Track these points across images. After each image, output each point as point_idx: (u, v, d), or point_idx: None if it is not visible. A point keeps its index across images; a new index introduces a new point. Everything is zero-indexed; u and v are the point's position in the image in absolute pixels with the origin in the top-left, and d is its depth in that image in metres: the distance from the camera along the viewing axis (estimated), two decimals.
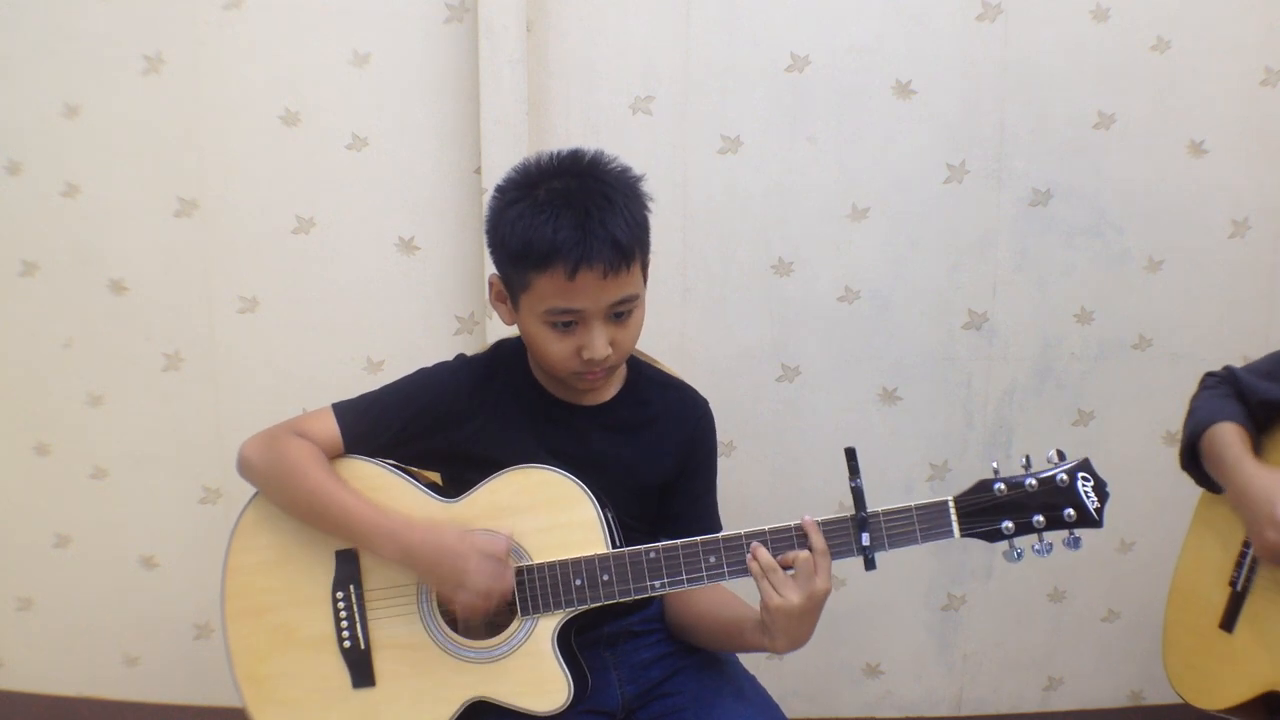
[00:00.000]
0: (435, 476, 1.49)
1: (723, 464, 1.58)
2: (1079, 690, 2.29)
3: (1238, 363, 1.67)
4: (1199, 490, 1.64)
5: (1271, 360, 1.58)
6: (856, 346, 2.13)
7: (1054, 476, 1.27)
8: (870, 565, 1.28)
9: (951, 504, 1.27)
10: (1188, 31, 2.02)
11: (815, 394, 2.15)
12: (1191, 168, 2.07)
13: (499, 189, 1.37)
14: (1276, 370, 1.56)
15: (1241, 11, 2.01)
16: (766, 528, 1.30)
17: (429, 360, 1.49)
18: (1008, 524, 1.27)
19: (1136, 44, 2.03)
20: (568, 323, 1.31)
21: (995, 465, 1.30)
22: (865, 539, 1.27)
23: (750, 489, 2.16)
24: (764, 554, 1.27)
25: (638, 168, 1.38)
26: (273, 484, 1.37)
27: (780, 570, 1.26)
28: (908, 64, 2.03)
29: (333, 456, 1.39)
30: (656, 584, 1.31)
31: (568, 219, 1.27)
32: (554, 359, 1.35)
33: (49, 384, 2.18)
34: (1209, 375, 1.64)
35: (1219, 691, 1.51)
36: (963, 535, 1.27)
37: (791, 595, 1.25)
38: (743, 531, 1.30)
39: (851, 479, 1.28)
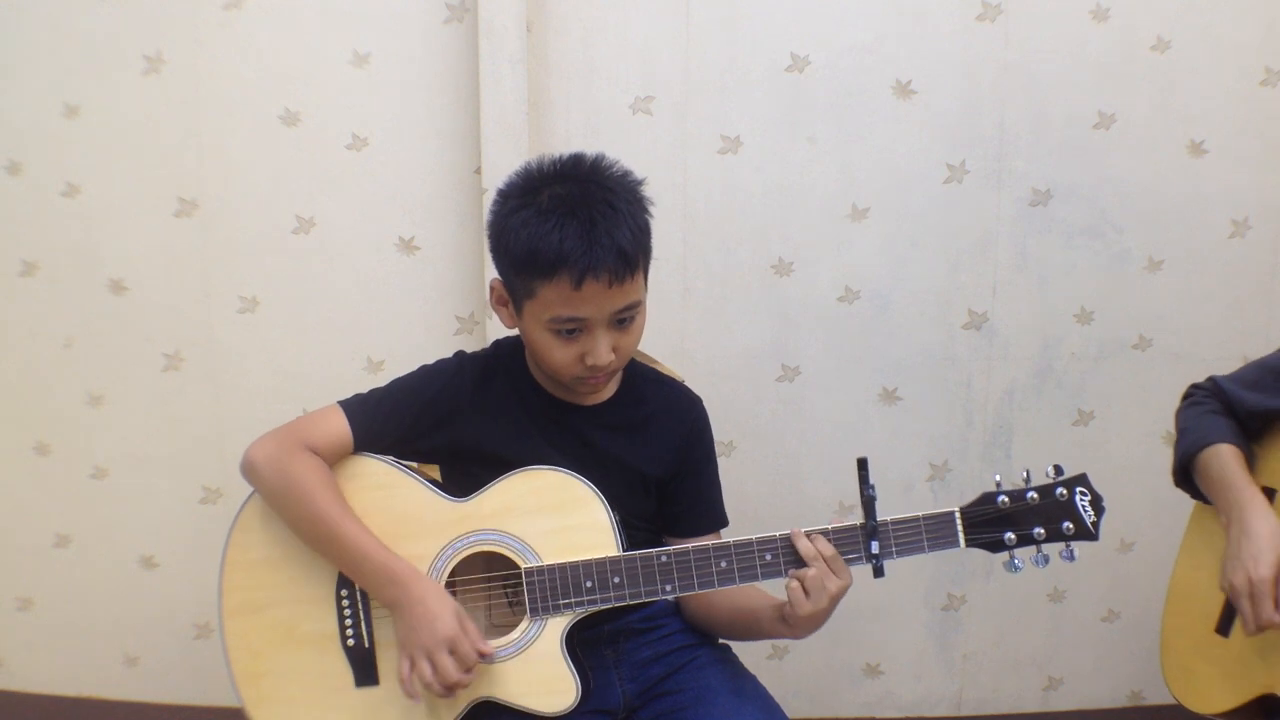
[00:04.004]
0: (434, 472, 1.49)
1: (723, 464, 1.58)
2: (1079, 690, 2.29)
3: (1238, 363, 1.67)
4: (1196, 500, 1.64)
5: (1255, 369, 1.57)
6: (856, 346, 2.13)
7: (1053, 490, 1.31)
8: (879, 573, 1.31)
9: (958, 515, 1.31)
10: (1188, 31, 2.02)
11: (815, 394, 2.15)
12: (1191, 168, 2.07)
13: (501, 194, 1.36)
14: (1261, 380, 1.55)
15: (1241, 11, 2.01)
16: (777, 534, 1.31)
17: (429, 360, 1.49)
18: (1010, 535, 1.31)
19: (1136, 44, 2.03)
20: (572, 330, 1.31)
21: (998, 478, 1.33)
22: (874, 547, 1.29)
23: (750, 489, 2.16)
24: (819, 544, 1.29)
25: (638, 168, 1.38)
26: (277, 499, 1.36)
27: (823, 561, 1.29)
28: (908, 64, 2.03)
29: (342, 455, 1.39)
30: (667, 587, 1.32)
31: (573, 228, 1.26)
32: (557, 365, 1.35)
33: (49, 384, 2.18)
34: (1194, 388, 1.63)
35: (1215, 696, 1.51)
36: (967, 545, 1.31)
37: (833, 585, 1.29)
38: (754, 537, 1.31)
39: (864, 489, 1.30)
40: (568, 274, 1.26)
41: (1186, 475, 1.58)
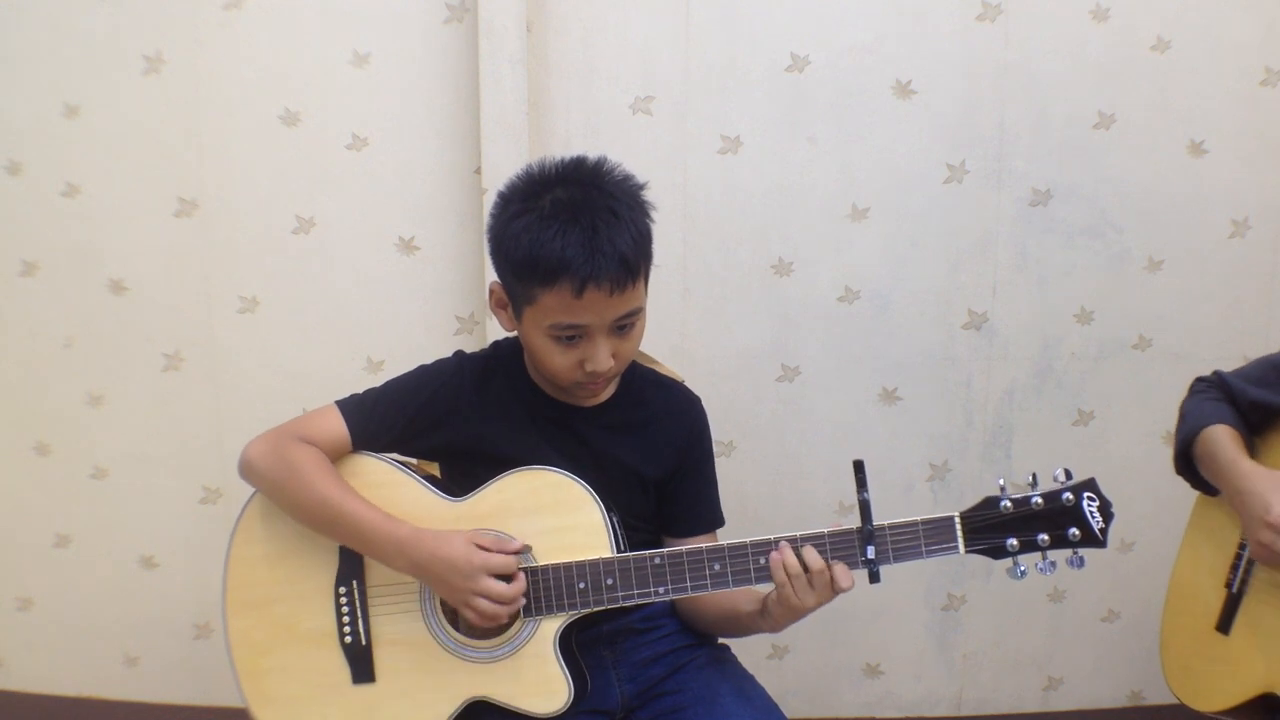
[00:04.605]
0: (434, 468, 1.49)
1: (723, 464, 1.58)
2: (1079, 690, 2.29)
3: (1238, 363, 1.67)
4: (1197, 491, 1.64)
5: (1259, 365, 1.58)
6: (856, 346, 2.13)
7: (1060, 495, 1.27)
8: (875, 579, 1.28)
9: (958, 520, 1.28)
10: (1188, 31, 2.02)
11: (815, 394, 2.15)
12: (1191, 168, 2.07)
13: (502, 197, 1.36)
14: (1265, 376, 1.55)
15: (1241, 11, 2.01)
16: (772, 538, 1.30)
17: (429, 360, 1.49)
18: (1012, 542, 1.27)
19: (1136, 44, 2.03)
20: (572, 337, 1.31)
21: (1001, 482, 1.29)
22: (870, 552, 1.27)
23: (750, 489, 2.16)
24: (792, 559, 1.27)
25: (638, 168, 1.38)
26: (279, 490, 1.36)
27: (804, 576, 1.27)
28: (908, 64, 2.03)
29: (339, 455, 1.39)
30: (661, 590, 1.32)
31: (575, 235, 1.25)
32: (556, 370, 1.34)
33: (49, 384, 2.19)
34: (1199, 380, 1.64)
35: (1216, 693, 1.51)
36: (967, 551, 1.27)
37: (809, 600, 1.28)
38: (748, 540, 1.31)
39: (859, 492, 1.28)
40: (569, 282, 1.25)
41: (1188, 463, 1.58)
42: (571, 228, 1.26)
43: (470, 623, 1.31)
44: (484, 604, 1.28)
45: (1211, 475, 1.52)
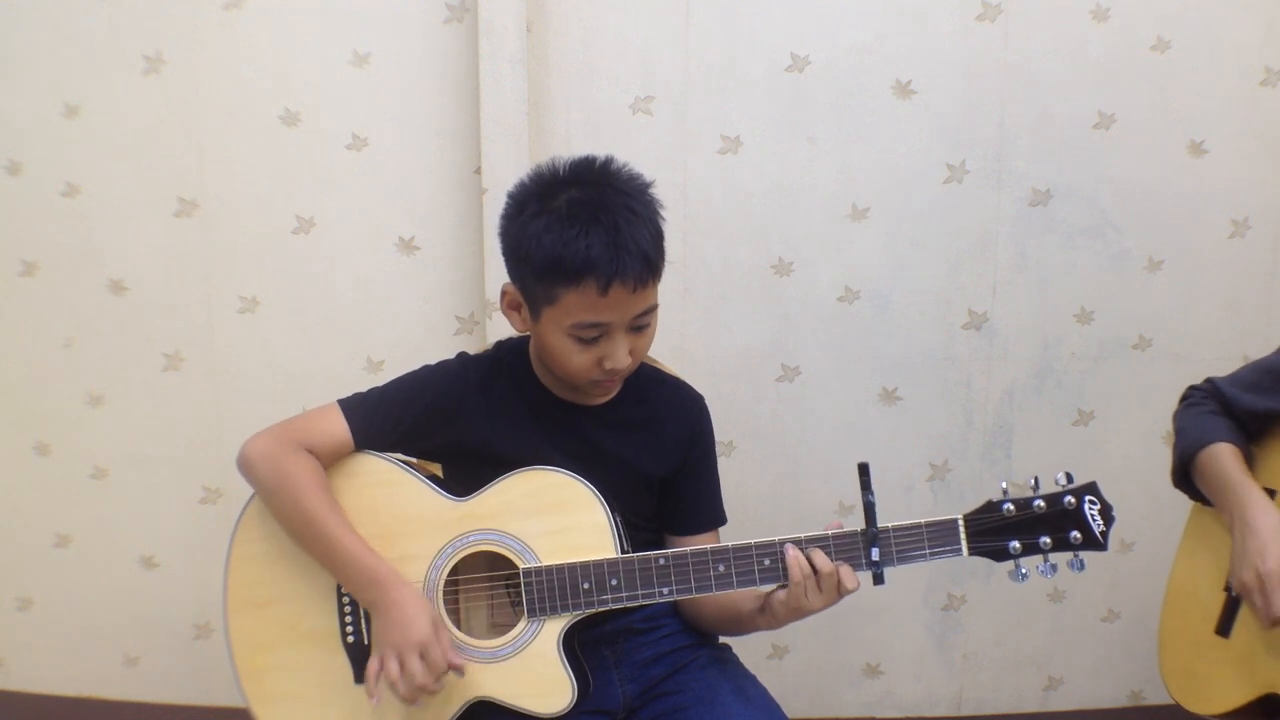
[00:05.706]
0: (436, 468, 1.49)
1: (723, 464, 1.58)
2: (1079, 690, 2.29)
3: (1238, 363, 1.66)
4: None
5: (1253, 370, 1.56)
6: (856, 346, 2.13)
7: (1062, 498, 1.27)
8: (879, 580, 1.28)
9: (961, 522, 1.28)
10: (1188, 31, 2.02)
11: (815, 394, 2.15)
12: (1191, 168, 2.07)
13: (514, 199, 1.35)
14: (1260, 381, 1.54)
15: (1241, 11, 2.01)
16: (776, 540, 1.30)
17: (429, 360, 1.49)
18: (1015, 544, 1.27)
19: (1136, 44, 2.03)
20: (594, 336, 1.31)
21: (1004, 484, 1.30)
22: (875, 554, 1.28)
23: (750, 489, 2.17)
24: (804, 560, 1.28)
25: (638, 168, 1.38)
26: (270, 495, 1.36)
27: (814, 578, 1.28)
28: (908, 64, 2.04)
29: (342, 455, 1.39)
30: (665, 590, 1.32)
31: (598, 234, 1.26)
32: (575, 369, 1.34)
33: (49, 384, 2.19)
34: (1192, 389, 1.62)
35: (1216, 696, 1.50)
36: (971, 554, 1.28)
37: (817, 602, 1.28)
38: (752, 542, 1.31)
39: (865, 494, 1.28)
40: (594, 280, 1.26)
41: (1185, 476, 1.58)
42: (594, 227, 1.26)
43: (367, 669, 1.30)
44: (394, 669, 1.27)
45: (1215, 496, 1.51)
